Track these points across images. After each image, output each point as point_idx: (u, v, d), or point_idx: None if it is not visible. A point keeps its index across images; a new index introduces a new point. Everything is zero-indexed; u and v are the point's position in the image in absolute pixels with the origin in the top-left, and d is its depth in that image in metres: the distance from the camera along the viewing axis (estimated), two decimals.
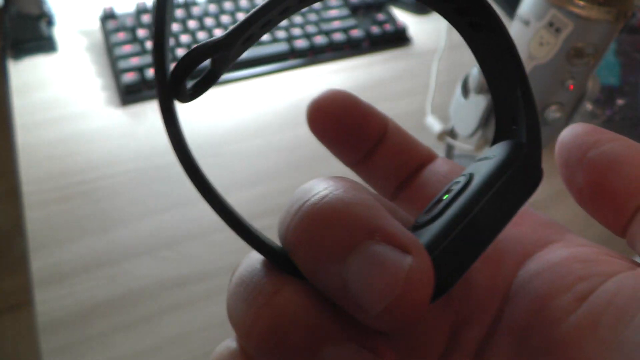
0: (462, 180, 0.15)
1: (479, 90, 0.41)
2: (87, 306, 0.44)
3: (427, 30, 0.76)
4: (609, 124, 0.65)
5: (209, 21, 0.66)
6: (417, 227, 0.14)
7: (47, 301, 0.44)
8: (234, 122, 0.60)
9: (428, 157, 0.19)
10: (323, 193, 0.12)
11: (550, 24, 0.35)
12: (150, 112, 0.59)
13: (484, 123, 0.44)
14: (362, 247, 0.11)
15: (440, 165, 0.19)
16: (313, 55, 0.68)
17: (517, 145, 0.15)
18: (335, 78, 0.67)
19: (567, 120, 0.42)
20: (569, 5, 0.34)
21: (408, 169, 0.19)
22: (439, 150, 0.59)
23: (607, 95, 0.67)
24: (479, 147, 0.49)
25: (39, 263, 0.46)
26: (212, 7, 0.68)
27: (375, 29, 0.71)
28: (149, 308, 0.45)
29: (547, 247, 0.15)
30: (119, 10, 0.66)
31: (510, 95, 0.16)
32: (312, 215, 0.12)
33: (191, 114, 0.60)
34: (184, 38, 0.63)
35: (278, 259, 0.13)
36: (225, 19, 0.67)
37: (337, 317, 0.12)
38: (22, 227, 0.48)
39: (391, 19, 0.73)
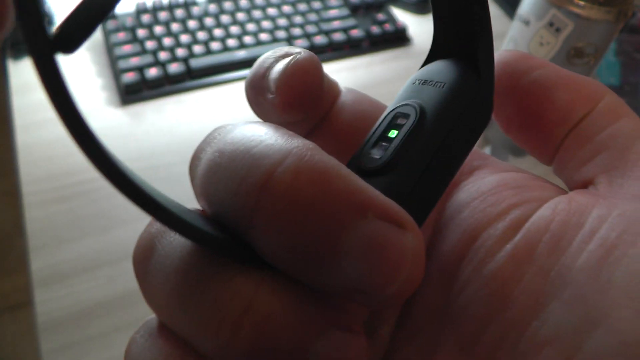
0: (411, 114, 0.13)
1: None
2: (87, 306, 0.44)
3: (427, 30, 0.76)
4: None
5: (209, 21, 0.66)
6: (371, 172, 0.13)
7: (47, 301, 0.44)
8: (234, 122, 0.60)
9: (337, 92, 0.17)
10: (290, 162, 0.10)
11: (551, 24, 0.35)
12: (150, 112, 0.59)
13: None
14: (356, 228, 0.10)
15: (346, 95, 0.17)
16: None
17: (469, 75, 0.14)
18: (335, 78, 0.66)
19: None
20: (569, 5, 0.34)
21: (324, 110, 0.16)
22: None
23: None
24: (479, 147, 0.49)
25: (39, 263, 0.46)
26: (212, 7, 0.68)
27: (375, 29, 0.71)
28: (148, 308, 0.45)
29: (472, 174, 0.14)
30: (118, 10, 0.66)
31: (462, 9, 0.14)
32: (287, 194, 0.10)
33: (191, 114, 0.60)
34: (184, 38, 0.63)
35: (226, 246, 0.11)
36: (225, 19, 0.67)
37: (319, 305, 0.11)
38: (22, 227, 0.48)
39: (391, 19, 0.73)
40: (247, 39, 0.65)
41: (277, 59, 0.15)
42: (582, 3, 0.34)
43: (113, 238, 0.48)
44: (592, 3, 0.34)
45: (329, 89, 0.16)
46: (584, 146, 0.13)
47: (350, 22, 0.71)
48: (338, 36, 0.68)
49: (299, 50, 0.15)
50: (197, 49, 0.63)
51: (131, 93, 0.59)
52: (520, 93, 0.14)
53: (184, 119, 0.59)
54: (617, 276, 0.10)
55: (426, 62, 0.16)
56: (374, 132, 0.14)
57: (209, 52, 0.63)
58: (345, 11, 0.73)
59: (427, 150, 0.13)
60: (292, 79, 0.14)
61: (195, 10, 0.67)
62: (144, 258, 0.13)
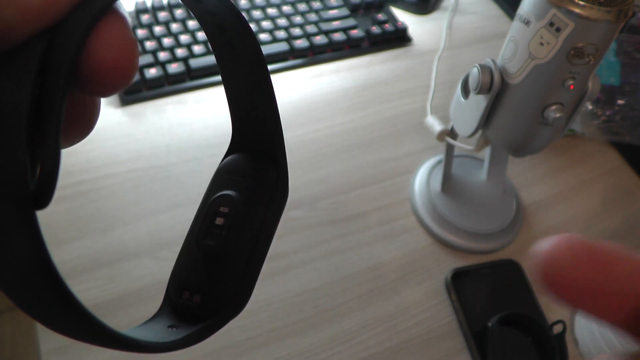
0: (232, 205, 0.16)
1: (479, 91, 0.41)
2: (86, 306, 0.44)
3: (427, 30, 0.76)
4: (609, 123, 0.65)
5: None
6: (211, 257, 0.16)
7: None
8: None
9: None
10: None
11: (551, 24, 0.35)
12: (150, 112, 0.59)
13: (483, 123, 0.44)
14: None
15: None
16: (313, 55, 0.68)
17: (269, 168, 0.16)
18: (335, 78, 0.67)
19: (568, 120, 0.42)
20: (570, 5, 0.34)
21: None
22: (439, 150, 0.59)
23: (608, 95, 0.67)
24: (479, 147, 0.49)
25: None
26: None
27: (375, 29, 0.71)
28: (148, 308, 0.45)
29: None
30: None
31: (254, 109, 0.17)
32: None
33: (191, 114, 0.59)
34: (184, 38, 0.63)
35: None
36: None
37: None
38: None
39: (391, 19, 0.73)
40: None
41: None
42: (582, 3, 0.34)
43: (113, 238, 0.48)
44: (592, 3, 0.34)
45: None
46: None
47: (350, 22, 0.71)
48: (338, 36, 0.68)
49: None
50: (197, 49, 0.63)
51: (131, 93, 0.59)
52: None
53: (184, 119, 0.59)
54: None
55: (228, 154, 0.18)
56: (202, 218, 0.16)
57: (208, 52, 0.63)
58: (345, 11, 0.73)
59: (250, 238, 0.16)
60: None
61: None
62: None
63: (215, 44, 0.16)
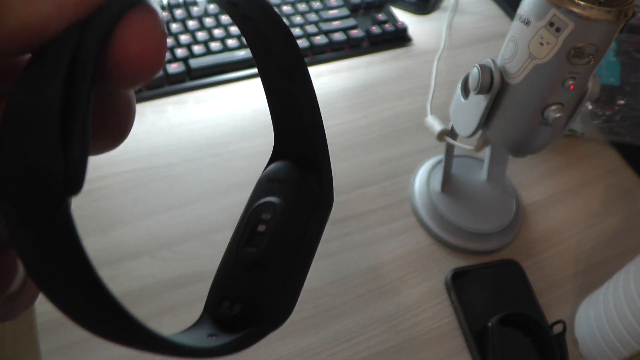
0: (274, 212, 0.16)
1: (479, 91, 0.41)
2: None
3: (427, 30, 0.76)
4: (609, 123, 0.65)
5: (208, 21, 0.66)
6: (250, 265, 0.15)
7: (46, 301, 0.44)
8: (234, 122, 0.60)
9: None
10: None
11: (551, 24, 0.35)
12: (150, 112, 0.59)
13: (483, 123, 0.44)
14: None
15: None
16: (313, 55, 0.68)
17: (312, 176, 0.16)
18: (335, 78, 0.67)
19: (568, 120, 0.42)
20: (570, 5, 0.34)
21: None
22: (439, 150, 0.59)
23: (608, 95, 0.67)
24: (479, 147, 0.49)
25: None
26: (212, 7, 0.68)
27: (375, 29, 0.71)
28: (148, 308, 0.45)
29: None
30: None
31: (296, 116, 0.16)
32: None
33: (191, 114, 0.59)
34: (184, 38, 0.63)
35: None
36: (225, 19, 0.67)
37: None
38: None
39: (391, 19, 0.73)
40: None
41: None
42: (582, 3, 0.34)
43: (113, 238, 0.48)
44: (592, 3, 0.34)
45: None
46: None
47: (350, 22, 0.71)
48: (338, 36, 0.68)
49: None
50: (197, 49, 0.63)
51: None
52: None
53: (184, 119, 0.59)
54: None
55: (271, 161, 0.18)
56: (244, 226, 0.16)
57: (208, 52, 0.63)
58: (345, 11, 0.73)
59: (293, 245, 0.15)
60: None
61: (195, 10, 0.67)
62: None
63: (254, 48, 0.16)
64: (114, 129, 0.14)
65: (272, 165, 0.17)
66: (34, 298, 0.14)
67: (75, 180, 0.10)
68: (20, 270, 0.13)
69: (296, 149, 0.17)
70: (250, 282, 0.15)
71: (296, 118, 0.16)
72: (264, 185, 0.17)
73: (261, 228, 0.15)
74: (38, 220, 0.10)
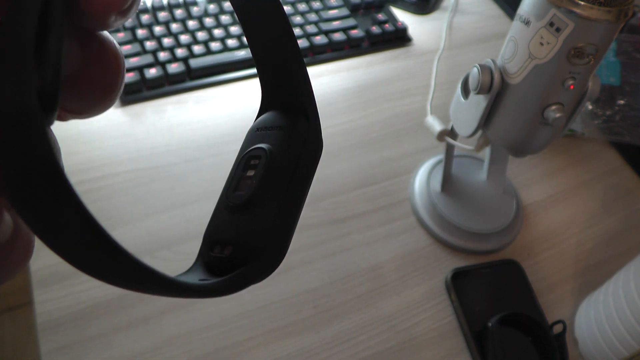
0: (262, 155, 0.16)
1: (479, 91, 0.41)
2: (86, 306, 0.44)
3: (427, 30, 0.76)
4: (609, 123, 0.65)
5: (209, 21, 0.66)
6: (240, 207, 0.15)
7: (46, 301, 0.44)
8: (234, 122, 0.60)
9: None
10: None
11: (551, 24, 0.35)
12: (150, 112, 0.59)
13: (483, 123, 0.44)
14: None
15: None
16: (313, 55, 0.68)
17: (300, 120, 0.16)
18: (335, 78, 0.67)
19: (568, 120, 0.42)
20: (570, 5, 0.34)
21: None
22: (439, 150, 0.59)
23: (608, 95, 0.67)
24: (479, 147, 0.49)
25: (38, 264, 0.46)
26: (212, 7, 0.68)
27: (375, 29, 0.71)
28: (148, 308, 0.45)
29: None
30: None
31: (281, 66, 0.16)
32: None
33: (191, 114, 0.59)
34: (184, 38, 0.63)
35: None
36: (225, 19, 0.67)
37: None
38: None
39: (391, 19, 0.73)
40: None
41: None
42: (582, 3, 0.34)
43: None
44: (592, 3, 0.34)
45: None
46: None
47: (350, 22, 0.71)
48: (338, 36, 0.68)
49: None
50: (197, 49, 0.63)
51: (131, 93, 0.59)
52: None
53: (184, 119, 0.59)
54: None
55: (259, 115, 0.18)
56: (233, 175, 0.16)
57: (208, 52, 0.63)
58: (345, 11, 0.73)
59: (282, 183, 0.15)
60: None
61: (195, 10, 0.67)
62: None
63: (236, 3, 0.16)
64: (104, 80, 0.14)
65: (258, 118, 0.17)
66: (28, 251, 0.14)
67: (49, 96, 0.11)
68: (8, 218, 0.12)
69: (282, 98, 0.17)
70: (240, 223, 0.15)
71: (279, 68, 0.16)
72: (252, 134, 0.17)
73: (250, 173, 0.15)
74: (14, 138, 0.10)
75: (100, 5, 0.11)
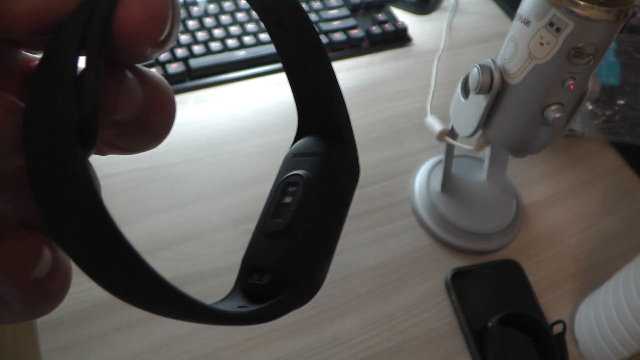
0: (299, 182, 0.16)
1: (479, 91, 0.41)
2: (86, 306, 0.44)
3: (427, 30, 0.76)
4: (609, 124, 0.65)
5: (208, 21, 0.66)
6: (277, 234, 0.15)
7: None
8: (234, 122, 0.60)
9: None
10: None
11: (551, 24, 0.35)
12: None
13: (483, 123, 0.44)
14: None
15: None
16: None
17: (336, 145, 0.16)
18: None
19: (568, 120, 0.42)
20: (570, 5, 0.34)
21: None
22: (439, 150, 0.59)
23: (608, 95, 0.67)
24: (479, 147, 0.49)
25: None
26: (212, 7, 0.68)
27: (375, 29, 0.71)
28: None
29: None
30: None
31: (316, 91, 0.17)
32: None
33: (191, 114, 0.59)
34: (184, 38, 0.63)
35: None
36: (225, 19, 0.67)
37: None
38: None
39: (391, 19, 0.73)
40: (247, 39, 0.65)
41: None
42: (582, 3, 0.34)
43: None
44: (592, 3, 0.34)
45: None
46: None
47: (350, 22, 0.71)
48: (338, 36, 0.68)
49: None
50: (197, 49, 0.63)
51: None
52: None
53: (183, 119, 0.59)
54: None
55: (296, 140, 0.18)
56: (271, 201, 0.16)
57: (208, 52, 0.63)
58: (345, 11, 0.73)
59: (319, 210, 0.15)
60: None
61: (195, 10, 0.67)
62: None
63: (268, 26, 0.16)
64: (161, 122, 0.14)
65: (295, 143, 0.18)
66: (65, 285, 0.14)
67: (88, 129, 0.11)
68: (47, 254, 0.13)
69: (318, 124, 0.17)
70: (279, 251, 0.15)
71: (315, 93, 0.16)
72: (289, 161, 0.17)
73: (287, 200, 0.16)
74: (54, 167, 0.10)
75: (134, 38, 0.11)
